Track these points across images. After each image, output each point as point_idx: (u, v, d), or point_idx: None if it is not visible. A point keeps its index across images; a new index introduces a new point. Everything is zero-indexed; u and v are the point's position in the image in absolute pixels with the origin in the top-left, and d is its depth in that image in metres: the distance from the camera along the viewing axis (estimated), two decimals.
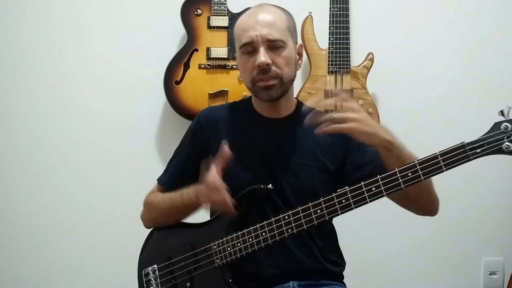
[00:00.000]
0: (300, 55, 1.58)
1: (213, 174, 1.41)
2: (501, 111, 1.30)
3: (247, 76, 1.52)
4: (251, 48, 1.49)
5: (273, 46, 1.48)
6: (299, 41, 1.62)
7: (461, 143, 1.30)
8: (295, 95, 1.82)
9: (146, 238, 1.66)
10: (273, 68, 1.47)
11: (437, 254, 2.45)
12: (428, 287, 2.48)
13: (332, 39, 2.29)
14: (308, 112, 1.62)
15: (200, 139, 1.60)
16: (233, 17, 2.31)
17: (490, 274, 2.46)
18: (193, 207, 1.53)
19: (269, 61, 1.47)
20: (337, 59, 2.29)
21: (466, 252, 2.47)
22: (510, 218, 2.45)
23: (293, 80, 1.55)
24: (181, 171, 1.63)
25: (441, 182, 2.36)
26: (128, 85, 2.45)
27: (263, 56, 1.46)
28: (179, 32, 2.38)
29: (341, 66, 2.29)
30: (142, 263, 1.61)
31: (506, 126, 1.27)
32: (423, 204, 1.51)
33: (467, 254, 2.47)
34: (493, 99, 2.42)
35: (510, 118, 1.28)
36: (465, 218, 2.46)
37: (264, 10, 1.52)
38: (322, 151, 1.55)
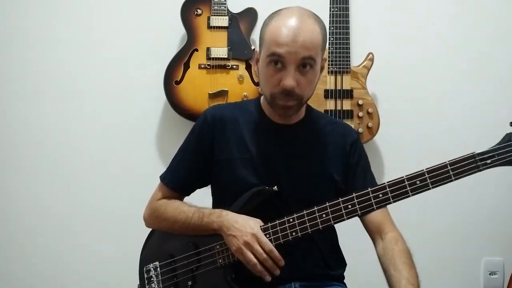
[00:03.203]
0: (322, 68, 1.52)
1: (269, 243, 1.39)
2: None
3: (268, 88, 1.46)
4: (279, 61, 1.42)
5: (303, 65, 1.42)
6: (325, 56, 1.56)
7: (472, 153, 1.29)
8: None
9: (148, 235, 1.65)
10: (296, 90, 1.43)
11: (437, 254, 2.45)
12: (428, 287, 2.48)
13: (332, 39, 2.29)
14: (318, 118, 1.62)
15: (206, 138, 1.57)
16: (233, 17, 2.31)
17: (490, 274, 2.46)
18: (210, 232, 1.49)
19: (295, 84, 1.41)
20: (337, 59, 2.29)
21: (466, 252, 2.47)
22: (510, 218, 2.46)
23: (310, 97, 1.51)
24: (185, 170, 1.60)
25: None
26: (128, 85, 2.44)
27: (291, 79, 1.40)
28: (179, 32, 2.37)
29: (341, 66, 2.29)
30: (144, 260, 1.60)
31: None
32: None
33: (467, 254, 2.47)
34: (493, 99, 2.43)
35: None
36: (465, 218, 2.46)
37: (302, 24, 1.42)
38: (328, 160, 1.55)
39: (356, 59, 2.34)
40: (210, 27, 2.31)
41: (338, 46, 2.28)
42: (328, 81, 2.30)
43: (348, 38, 2.29)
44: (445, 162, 1.30)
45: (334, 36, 2.28)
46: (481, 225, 2.46)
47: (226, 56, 2.30)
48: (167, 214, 1.57)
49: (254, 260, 1.38)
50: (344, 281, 1.63)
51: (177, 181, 1.61)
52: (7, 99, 2.46)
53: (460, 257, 2.47)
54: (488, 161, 1.27)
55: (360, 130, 2.28)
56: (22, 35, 2.45)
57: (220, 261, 1.47)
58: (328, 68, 2.29)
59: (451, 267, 2.46)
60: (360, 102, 2.28)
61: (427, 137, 2.43)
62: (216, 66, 2.30)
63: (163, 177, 1.64)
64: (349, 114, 2.28)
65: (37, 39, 2.45)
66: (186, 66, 2.30)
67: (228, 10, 2.32)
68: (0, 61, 2.45)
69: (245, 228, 1.40)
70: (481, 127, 2.41)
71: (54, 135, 2.45)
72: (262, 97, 1.60)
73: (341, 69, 2.29)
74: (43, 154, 2.45)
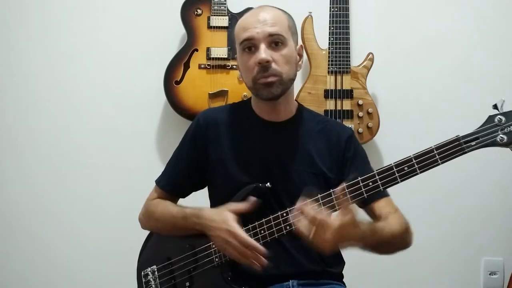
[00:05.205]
0: (300, 56, 1.58)
1: (244, 235, 1.40)
2: (495, 105, 1.32)
3: (248, 74, 1.51)
4: (251, 45, 1.49)
5: (274, 42, 1.48)
6: (300, 43, 1.62)
7: (456, 136, 1.31)
8: (295, 96, 1.82)
9: (145, 239, 1.66)
10: (273, 65, 1.47)
11: (437, 254, 2.45)
12: (428, 287, 2.48)
13: (332, 39, 2.29)
14: (309, 116, 1.63)
15: (199, 141, 1.59)
16: (233, 17, 2.31)
17: (490, 274, 2.46)
18: (197, 233, 1.51)
19: (270, 58, 1.46)
20: (337, 59, 2.29)
21: (466, 252, 2.47)
22: (510, 218, 2.45)
23: (293, 79, 1.54)
24: (180, 173, 1.62)
25: (441, 182, 2.38)
26: (128, 85, 2.45)
27: (263, 53, 1.46)
28: (179, 32, 2.38)
29: (341, 66, 2.29)
30: (142, 264, 1.62)
31: (500, 119, 1.30)
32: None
33: (467, 254, 2.47)
34: (494, 98, 2.42)
35: (504, 111, 1.31)
36: (465, 218, 2.46)
37: (265, 10, 1.53)
38: (319, 157, 1.55)
39: (356, 59, 2.34)
40: (210, 27, 2.32)
41: (338, 46, 2.29)
42: (328, 81, 2.30)
43: (348, 38, 2.29)
44: (431, 146, 1.32)
45: (334, 36, 2.29)
46: (481, 225, 2.45)
47: (226, 56, 2.30)
48: (156, 214, 1.60)
49: (237, 254, 1.41)
50: (343, 280, 1.63)
51: (172, 184, 1.63)
52: (7, 101, 2.46)
53: (460, 257, 2.47)
54: (473, 143, 1.29)
55: (360, 130, 2.28)
56: (22, 36, 2.46)
57: (216, 260, 1.48)
58: (328, 68, 2.29)
59: (451, 267, 2.46)
60: (360, 102, 2.28)
61: (427, 137, 2.43)
62: (216, 66, 2.30)
63: (158, 181, 1.66)
64: (349, 114, 2.28)
65: (37, 39, 2.45)
66: (186, 66, 2.30)
67: (228, 10, 2.32)
68: (1, 61, 2.46)
69: (219, 225, 1.43)
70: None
71: (54, 134, 2.45)
72: (252, 97, 1.61)
73: (341, 69, 2.29)
74: (43, 154, 2.45)
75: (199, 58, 2.30)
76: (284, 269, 1.45)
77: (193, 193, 1.67)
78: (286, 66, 1.49)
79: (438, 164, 1.31)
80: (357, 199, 1.37)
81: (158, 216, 1.59)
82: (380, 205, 1.53)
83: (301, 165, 1.53)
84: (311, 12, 2.32)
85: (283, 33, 1.48)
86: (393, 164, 1.34)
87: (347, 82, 2.30)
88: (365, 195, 1.36)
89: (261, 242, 1.43)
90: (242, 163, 1.53)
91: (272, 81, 1.47)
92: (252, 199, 1.44)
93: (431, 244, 2.44)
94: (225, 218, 1.43)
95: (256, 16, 1.50)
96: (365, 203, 1.54)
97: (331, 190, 1.38)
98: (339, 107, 2.29)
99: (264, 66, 1.46)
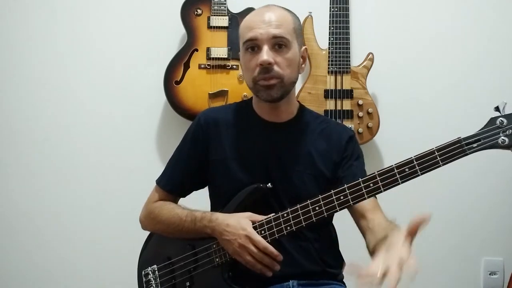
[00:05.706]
0: (304, 59, 1.57)
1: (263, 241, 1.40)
2: (497, 107, 1.32)
3: (249, 74, 1.50)
4: (254, 45, 1.48)
5: (277, 45, 1.47)
6: (304, 46, 1.60)
7: (458, 138, 1.31)
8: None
9: (146, 239, 1.67)
10: (275, 68, 1.46)
11: (437, 254, 2.45)
12: (428, 287, 2.48)
13: (332, 39, 2.29)
14: (310, 117, 1.63)
15: (200, 141, 1.59)
16: (233, 17, 2.32)
17: (490, 274, 2.46)
18: (205, 236, 1.51)
19: (272, 60, 1.45)
20: (337, 59, 2.29)
21: (466, 252, 2.47)
22: (510, 218, 2.45)
23: (294, 82, 1.54)
24: (180, 173, 1.62)
25: (441, 183, 2.38)
26: (128, 85, 2.45)
27: (266, 55, 1.45)
28: (179, 32, 2.38)
29: (341, 66, 2.29)
30: (142, 264, 1.62)
31: (501, 121, 1.30)
32: None
33: (467, 254, 2.47)
34: (494, 98, 2.42)
35: (506, 113, 1.30)
36: (465, 218, 2.46)
37: (271, 10, 1.51)
38: (319, 158, 1.55)
39: (356, 59, 2.34)
40: (210, 27, 2.32)
41: (338, 46, 2.29)
42: (328, 81, 2.30)
43: (348, 38, 2.29)
44: (433, 148, 1.32)
45: (334, 36, 2.29)
46: (481, 225, 2.46)
47: (226, 56, 2.30)
48: (162, 217, 1.58)
49: (252, 260, 1.41)
50: (344, 280, 1.63)
51: (173, 184, 1.63)
52: (7, 100, 2.46)
53: (460, 257, 2.47)
54: (474, 145, 1.29)
55: (360, 130, 2.28)
56: (22, 36, 2.45)
57: (217, 260, 1.48)
58: (328, 68, 2.29)
59: (451, 267, 2.46)
60: (360, 102, 2.28)
61: (427, 137, 2.41)
62: (216, 66, 2.30)
63: (158, 180, 1.66)
64: (349, 114, 2.28)
65: (37, 39, 2.45)
66: (186, 66, 2.30)
67: (228, 10, 2.32)
68: (1, 61, 2.46)
69: (237, 231, 1.42)
70: (482, 125, 2.40)
71: (54, 135, 2.45)
72: (253, 97, 1.61)
73: (341, 69, 2.29)
74: (43, 154, 2.45)
75: (199, 58, 2.30)
76: (284, 270, 1.44)
77: (193, 193, 1.67)
78: (288, 69, 1.48)
79: (439, 166, 1.31)
80: (357, 200, 1.37)
81: (164, 219, 1.58)
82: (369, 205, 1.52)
83: (301, 166, 1.53)
84: (311, 12, 2.31)
85: (287, 36, 1.47)
86: (394, 166, 1.34)
87: (347, 82, 2.30)
88: (365, 196, 1.36)
89: None
90: (243, 163, 1.53)
91: (273, 83, 1.47)
92: (272, 215, 1.44)
93: (431, 244, 2.44)
94: (244, 224, 1.43)
95: (262, 16, 1.49)
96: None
97: (332, 191, 1.38)
98: (339, 107, 2.29)
99: (266, 68, 1.46)
